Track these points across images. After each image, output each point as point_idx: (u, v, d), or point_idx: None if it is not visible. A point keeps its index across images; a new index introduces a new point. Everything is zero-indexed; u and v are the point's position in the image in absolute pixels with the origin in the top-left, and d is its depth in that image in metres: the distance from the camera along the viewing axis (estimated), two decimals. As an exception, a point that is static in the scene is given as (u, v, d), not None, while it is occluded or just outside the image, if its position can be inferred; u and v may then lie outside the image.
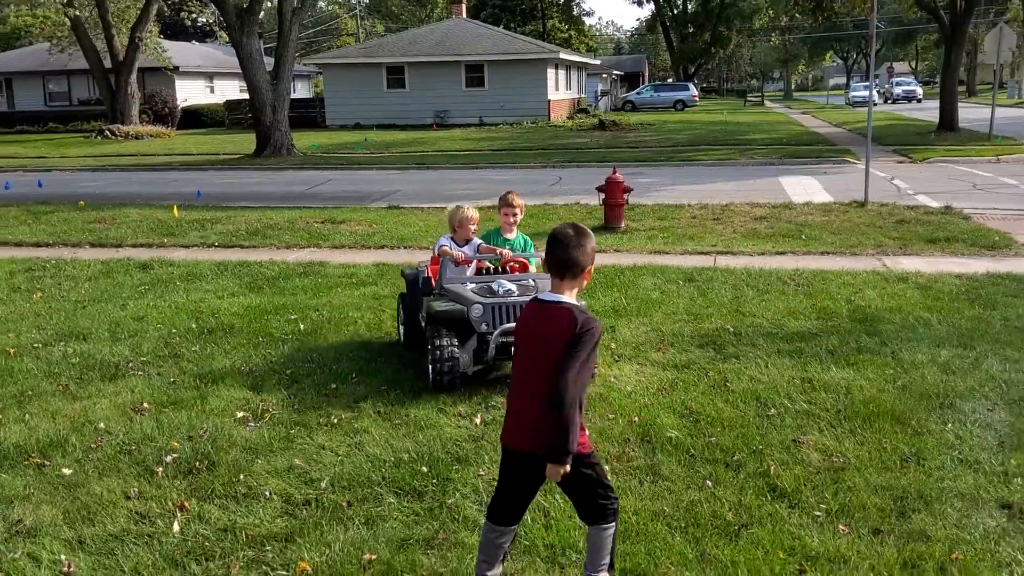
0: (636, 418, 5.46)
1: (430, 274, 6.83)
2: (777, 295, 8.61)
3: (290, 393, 6.08)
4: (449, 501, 4.39)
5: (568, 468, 3.15)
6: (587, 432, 3.44)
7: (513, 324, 5.47)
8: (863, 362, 6.43)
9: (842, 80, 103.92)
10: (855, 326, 7.41)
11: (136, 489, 4.56)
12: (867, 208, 14.09)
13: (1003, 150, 23.23)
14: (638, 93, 60.82)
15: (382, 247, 12.15)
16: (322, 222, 14.30)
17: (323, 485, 4.60)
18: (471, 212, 6.65)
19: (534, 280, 6.34)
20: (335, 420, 5.54)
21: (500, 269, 6.53)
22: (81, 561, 3.90)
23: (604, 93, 61.91)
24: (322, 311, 8.41)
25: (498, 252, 6.51)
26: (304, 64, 50.49)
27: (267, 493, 4.51)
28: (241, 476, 4.70)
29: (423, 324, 6.56)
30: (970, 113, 35.98)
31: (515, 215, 6.74)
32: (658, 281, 9.40)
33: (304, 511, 4.32)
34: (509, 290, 6.16)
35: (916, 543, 3.88)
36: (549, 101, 42.72)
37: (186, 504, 4.37)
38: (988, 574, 3.62)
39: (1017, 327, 7.23)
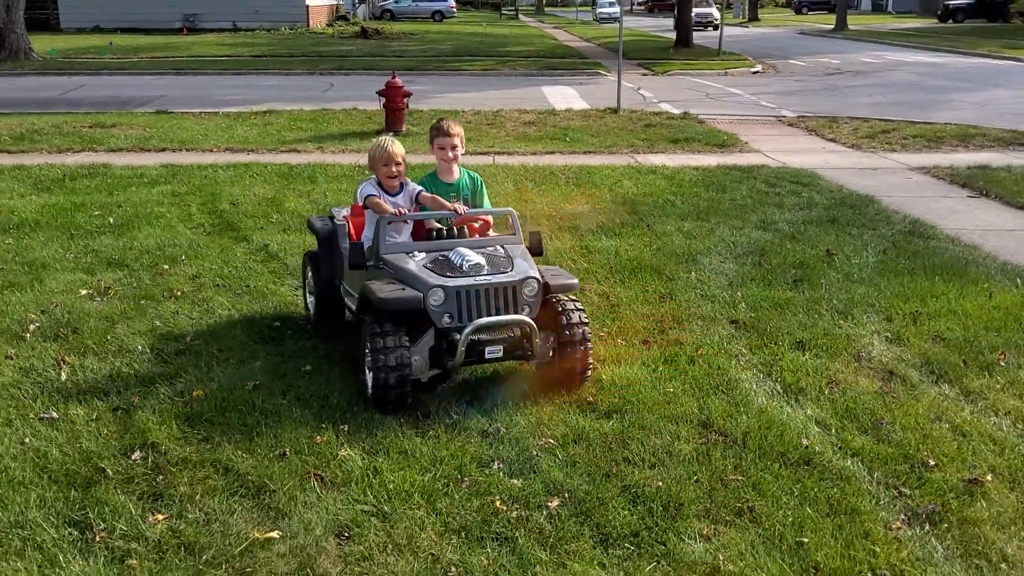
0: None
1: (352, 229, 5.20)
2: (552, 186, 9.85)
3: (125, 274, 6.49)
4: (308, 344, 5.18)
5: None
6: None
7: (492, 318, 4.28)
8: (626, 233, 7.79)
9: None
10: (617, 207, 8.78)
11: (13, 351, 4.97)
12: (619, 114, 15.72)
13: (731, 64, 26.06)
14: (396, 2, 60.38)
15: (163, 150, 12.15)
16: (90, 126, 13.90)
17: (188, 339, 5.23)
18: (395, 146, 5.05)
19: (503, 247, 4.73)
20: (178, 293, 6.08)
21: (450, 231, 4.79)
22: (-21, 408, 4.36)
23: (362, 1, 60.90)
24: (125, 207, 8.62)
25: (453, 206, 4.85)
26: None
27: (139, 348, 5.08)
28: (108, 337, 5.21)
29: (348, 304, 5.12)
30: (702, 31, 39.41)
31: (455, 148, 5.07)
32: (446, 176, 10.34)
33: (179, 358, 4.96)
34: (476, 264, 4.44)
35: (673, 347, 5.20)
36: (308, 7, 41.76)
37: (66, 359, 4.86)
38: (722, 360, 4.99)
39: (741, 205, 8.90)
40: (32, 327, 5.33)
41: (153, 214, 8.34)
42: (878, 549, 3.27)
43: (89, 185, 9.66)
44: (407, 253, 4.63)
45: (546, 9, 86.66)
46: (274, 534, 3.30)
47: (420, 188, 5.06)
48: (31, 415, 4.21)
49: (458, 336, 4.26)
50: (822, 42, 39.19)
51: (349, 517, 3.42)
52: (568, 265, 6.83)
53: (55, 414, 4.22)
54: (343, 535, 3.32)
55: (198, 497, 3.53)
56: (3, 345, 5.08)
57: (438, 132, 5.10)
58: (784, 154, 12.03)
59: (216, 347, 5.10)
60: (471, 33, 42.49)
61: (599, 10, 62.53)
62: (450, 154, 5.07)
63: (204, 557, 3.15)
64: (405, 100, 14.15)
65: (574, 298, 4.72)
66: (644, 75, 24.11)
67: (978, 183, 10.09)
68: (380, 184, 5.05)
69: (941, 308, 5.84)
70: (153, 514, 3.41)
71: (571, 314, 4.56)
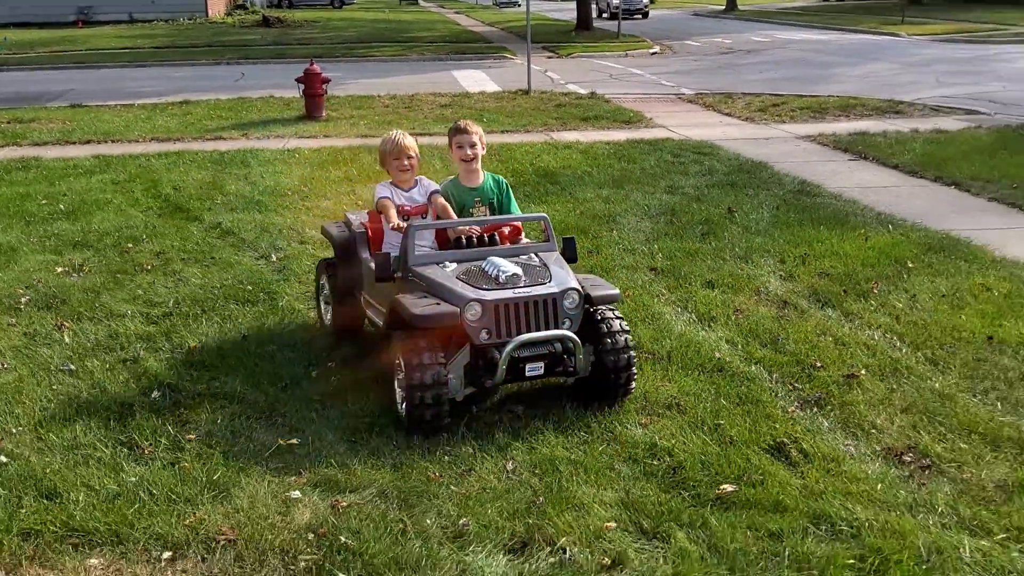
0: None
1: (371, 236, 4.97)
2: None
3: (92, 253, 6.95)
4: (281, 304, 5.81)
5: None
6: None
7: (536, 334, 4.03)
8: (551, 200, 8.59)
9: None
10: (540, 179, 9.57)
11: (13, 320, 5.45)
12: (530, 95, 16.52)
13: (630, 46, 27.17)
14: (294, -10, 59.83)
15: (88, 142, 12.37)
16: (8, 122, 13.95)
17: (171, 304, 5.79)
18: (406, 139, 4.83)
19: (537, 255, 4.44)
20: (149, 267, 6.60)
21: (479, 239, 4.52)
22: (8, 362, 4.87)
23: (260, -11, 60.04)
24: (71, 195, 8.97)
25: (467, 230, 4.56)
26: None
27: (128, 312, 5.63)
28: (96, 305, 5.73)
29: (369, 316, 4.89)
30: (630, 19, 40.53)
31: (473, 147, 4.81)
32: (376, 158, 10.92)
33: (168, 320, 5.52)
34: (513, 275, 4.17)
35: (603, 290, 6.02)
36: (206, -4, 41.21)
37: (65, 323, 5.38)
38: (646, 299, 5.85)
39: (651, 173, 9.80)
40: (24, 299, 5.80)
41: (101, 200, 8.72)
42: (778, 426, 4.13)
43: (27, 177, 9.92)
44: (437, 263, 4.33)
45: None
46: (294, 440, 3.97)
47: (436, 187, 4.84)
48: (52, 367, 4.75)
49: (497, 353, 3.99)
50: (715, 23, 40.84)
51: (352, 426, 4.12)
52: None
53: (72, 366, 4.77)
54: (351, 440, 4.01)
55: (219, 421, 4.17)
56: (2, 315, 5.55)
57: (456, 131, 4.84)
58: (686, 128, 13.02)
59: (198, 308, 5.68)
60: (374, 20, 42.65)
61: (498, -6, 63.48)
62: (468, 152, 4.78)
63: (240, 460, 3.81)
64: (324, 86, 14.61)
65: (615, 309, 4.45)
66: (549, 58, 24.97)
67: (857, 148, 11.24)
68: (392, 182, 4.87)
69: (825, 250, 6.82)
70: (185, 435, 4.04)
71: (613, 328, 4.28)
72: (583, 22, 32.86)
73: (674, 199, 8.60)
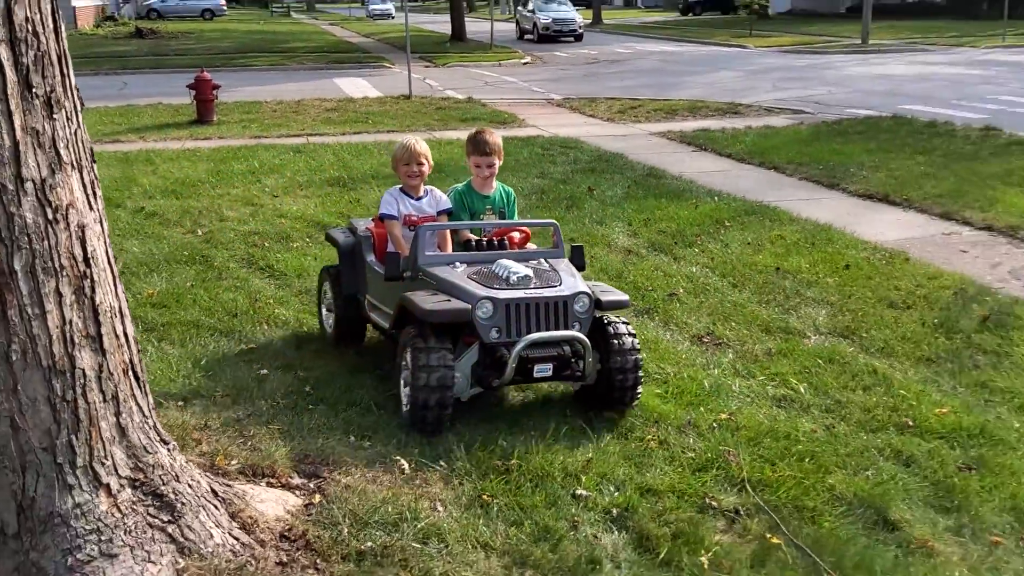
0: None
1: (376, 241, 5.02)
2: (368, 157, 11.78)
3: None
4: (216, 263, 6.91)
5: None
6: None
7: (546, 334, 4.06)
8: (441, 185, 9.78)
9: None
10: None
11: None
12: (412, 100, 17.80)
13: (503, 56, 28.85)
14: (163, 1, 59.19)
15: None
16: None
17: (120, 266, 6.79)
18: (419, 145, 4.92)
19: (547, 261, 4.54)
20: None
21: (488, 242, 4.60)
22: None
23: (126, 0, 59.13)
24: None
25: (488, 215, 4.88)
26: None
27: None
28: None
29: (374, 319, 4.90)
30: (472, 26, 42.15)
31: (492, 164, 4.92)
32: (273, 154, 12.00)
33: (121, 276, 6.53)
34: (525, 277, 4.23)
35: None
36: (74, 8, 40.60)
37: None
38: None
39: (524, 163, 11.22)
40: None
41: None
42: (618, 327, 5.58)
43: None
44: (448, 264, 4.42)
45: (317, 6, 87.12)
46: (253, 346, 5.16)
47: (448, 206, 4.92)
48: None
49: (506, 352, 4.02)
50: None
51: (295, 336, 5.34)
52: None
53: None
54: (297, 347, 5.23)
55: (189, 340, 5.29)
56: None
57: (475, 149, 4.90)
58: (554, 127, 14.58)
59: (146, 268, 6.72)
60: (249, 31, 43.01)
61: (371, 7, 64.37)
62: (486, 172, 4.94)
63: (215, 357, 4.98)
64: (215, 92, 15.48)
65: (623, 318, 4.52)
66: (427, 67, 26.31)
67: (700, 141, 13.03)
68: (402, 188, 4.94)
69: (663, 215, 8.39)
70: (167, 347, 5.15)
71: (623, 338, 4.29)
72: (457, 33, 34.40)
73: (544, 182, 10.05)
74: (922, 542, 3.34)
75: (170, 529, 2.66)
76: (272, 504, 3.18)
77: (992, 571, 3.22)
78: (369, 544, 3.08)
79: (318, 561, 2.90)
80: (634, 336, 4.34)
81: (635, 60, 28.54)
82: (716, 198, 9.19)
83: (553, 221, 4.86)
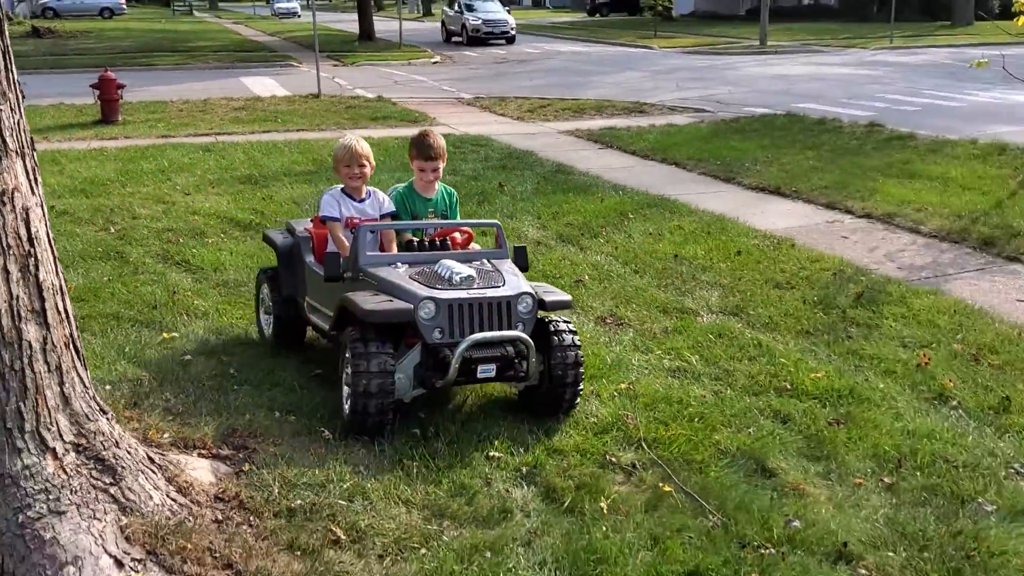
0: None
1: (315, 242, 4.91)
2: (279, 154, 11.88)
3: None
4: (132, 259, 7.00)
5: None
6: None
7: (489, 334, 4.03)
8: (351, 181, 10.11)
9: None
10: (339, 166, 11.06)
11: None
12: (321, 99, 17.86)
13: (412, 56, 29.02)
14: (58, -2, 57.27)
15: None
16: None
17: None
18: (360, 145, 4.81)
19: (490, 262, 4.52)
20: None
21: (430, 243, 4.57)
22: None
23: (20, -2, 56.97)
24: None
25: (430, 217, 4.86)
26: None
27: None
28: None
29: (314, 321, 4.84)
30: (381, 25, 42.15)
31: (437, 168, 4.85)
32: (182, 152, 11.99)
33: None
34: (468, 277, 4.20)
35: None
36: (-37, 3, 39.01)
37: None
38: (433, 243, 7.53)
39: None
40: None
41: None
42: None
43: None
44: (390, 264, 4.37)
45: (220, 4, 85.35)
46: (175, 334, 5.33)
47: (392, 209, 4.83)
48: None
49: (449, 353, 3.98)
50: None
51: (216, 325, 5.52)
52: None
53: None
54: (219, 334, 5.42)
55: (111, 330, 5.43)
56: None
57: (420, 153, 4.79)
58: (465, 125, 14.89)
59: (61, 265, 6.75)
60: (150, 30, 42.07)
61: (277, 5, 63.51)
62: (431, 176, 4.85)
63: (136, 347, 5.14)
64: (119, 92, 15.29)
65: (567, 319, 4.54)
66: (335, 65, 26.30)
67: (606, 139, 13.53)
68: (344, 190, 4.82)
69: (571, 209, 8.79)
70: (90, 337, 5.27)
71: (564, 335, 4.33)
72: (365, 32, 34.39)
73: (456, 178, 10.33)
74: (795, 485, 3.79)
75: (112, 490, 2.88)
76: (205, 471, 3.41)
77: (854, 507, 3.68)
78: (299, 502, 3.36)
79: (251, 518, 3.16)
80: (576, 335, 4.37)
81: (544, 60, 29.08)
82: (621, 192, 9.65)
83: (496, 222, 4.89)
